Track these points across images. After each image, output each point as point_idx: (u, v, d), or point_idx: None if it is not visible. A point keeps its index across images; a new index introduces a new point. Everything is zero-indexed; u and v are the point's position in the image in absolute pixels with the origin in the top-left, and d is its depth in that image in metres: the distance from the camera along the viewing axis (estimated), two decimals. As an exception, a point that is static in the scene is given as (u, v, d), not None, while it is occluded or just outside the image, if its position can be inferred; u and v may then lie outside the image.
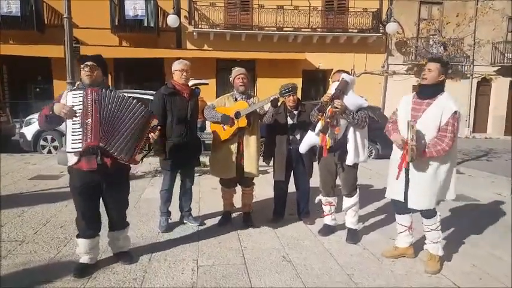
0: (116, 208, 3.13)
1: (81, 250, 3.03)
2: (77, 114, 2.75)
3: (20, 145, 8.74)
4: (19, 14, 13.87)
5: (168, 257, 3.37)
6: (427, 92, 3.11)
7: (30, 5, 14.13)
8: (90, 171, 2.86)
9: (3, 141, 9.48)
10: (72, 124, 2.76)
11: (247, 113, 3.80)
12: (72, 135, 2.75)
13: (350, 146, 3.58)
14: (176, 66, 3.86)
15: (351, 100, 3.49)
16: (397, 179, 3.19)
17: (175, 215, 4.23)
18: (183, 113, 3.82)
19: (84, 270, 3.00)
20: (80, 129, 2.76)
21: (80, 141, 2.76)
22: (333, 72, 3.87)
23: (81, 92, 2.80)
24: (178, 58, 4.09)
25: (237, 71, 4.00)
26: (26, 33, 14.18)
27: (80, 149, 2.77)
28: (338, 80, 3.53)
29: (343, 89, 3.45)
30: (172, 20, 13.97)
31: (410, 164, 3.08)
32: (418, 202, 3.14)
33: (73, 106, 2.75)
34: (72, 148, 2.76)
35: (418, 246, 3.48)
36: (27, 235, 3.77)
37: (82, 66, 2.88)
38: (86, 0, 13.26)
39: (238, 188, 4.23)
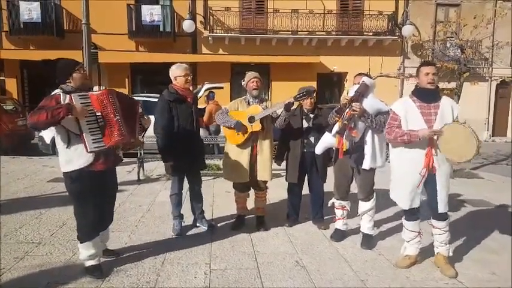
0: (112, 202, 3.30)
1: (89, 253, 2.98)
2: (97, 114, 2.77)
3: (38, 148, 8.94)
4: (39, 21, 14.24)
5: (181, 260, 3.39)
6: (435, 96, 3.16)
7: (50, 11, 14.51)
8: (101, 171, 2.90)
9: (22, 144, 9.72)
10: (89, 124, 2.74)
11: (261, 117, 3.80)
12: (92, 134, 2.75)
13: (367, 150, 3.53)
14: (179, 71, 3.75)
15: (371, 104, 3.46)
16: (418, 186, 3.17)
17: (189, 218, 4.25)
18: (189, 119, 3.81)
19: (99, 269, 3.03)
20: (99, 129, 2.77)
21: (101, 139, 2.77)
22: (354, 76, 3.84)
23: (87, 94, 2.82)
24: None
25: (250, 74, 4.01)
26: (46, 38, 14.54)
27: (104, 147, 2.80)
28: (358, 83, 3.51)
29: (363, 92, 3.43)
30: (188, 25, 14.12)
31: (438, 168, 3.10)
32: (446, 205, 3.18)
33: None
34: (95, 147, 2.75)
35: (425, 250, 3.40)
36: (44, 237, 3.84)
37: (78, 68, 2.87)
38: (104, 5, 13.50)
39: (252, 192, 4.22)
